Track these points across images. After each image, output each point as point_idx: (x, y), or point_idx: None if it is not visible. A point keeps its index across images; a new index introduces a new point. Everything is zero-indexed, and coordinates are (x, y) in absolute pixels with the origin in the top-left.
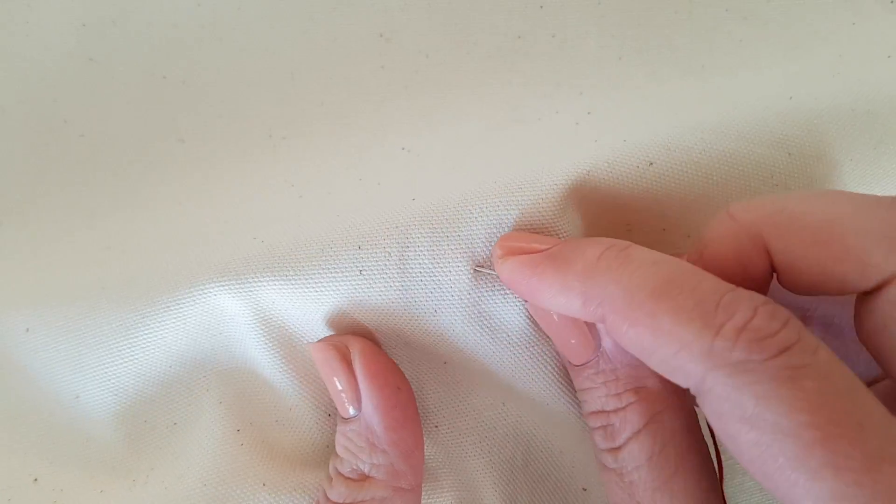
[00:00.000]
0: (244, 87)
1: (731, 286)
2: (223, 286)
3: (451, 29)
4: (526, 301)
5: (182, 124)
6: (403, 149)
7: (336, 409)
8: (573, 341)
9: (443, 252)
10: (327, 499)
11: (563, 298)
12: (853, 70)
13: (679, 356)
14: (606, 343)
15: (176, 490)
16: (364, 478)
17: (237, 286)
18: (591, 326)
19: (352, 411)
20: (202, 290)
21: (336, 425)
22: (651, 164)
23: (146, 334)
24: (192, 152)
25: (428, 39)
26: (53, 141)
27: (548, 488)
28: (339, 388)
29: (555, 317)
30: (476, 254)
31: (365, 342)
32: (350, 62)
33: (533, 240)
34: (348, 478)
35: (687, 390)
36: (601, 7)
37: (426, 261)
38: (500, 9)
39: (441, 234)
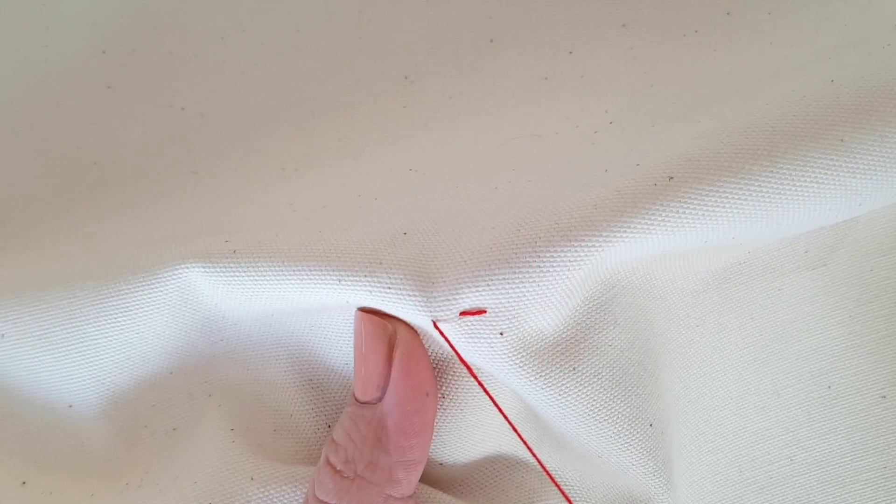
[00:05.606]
0: (263, 122)
1: None
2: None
3: (476, 73)
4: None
5: (197, 156)
6: (411, 170)
7: (355, 389)
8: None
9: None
10: (315, 496)
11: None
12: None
13: None
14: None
15: (170, 492)
16: (355, 477)
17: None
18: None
19: (372, 396)
20: (176, 272)
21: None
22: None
23: (138, 336)
24: (202, 183)
25: (452, 82)
26: (65, 167)
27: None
28: (372, 368)
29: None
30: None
31: (413, 336)
32: (372, 102)
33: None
34: (339, 472)
35: None
36: (633, 51)
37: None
38: (528, 55)
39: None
